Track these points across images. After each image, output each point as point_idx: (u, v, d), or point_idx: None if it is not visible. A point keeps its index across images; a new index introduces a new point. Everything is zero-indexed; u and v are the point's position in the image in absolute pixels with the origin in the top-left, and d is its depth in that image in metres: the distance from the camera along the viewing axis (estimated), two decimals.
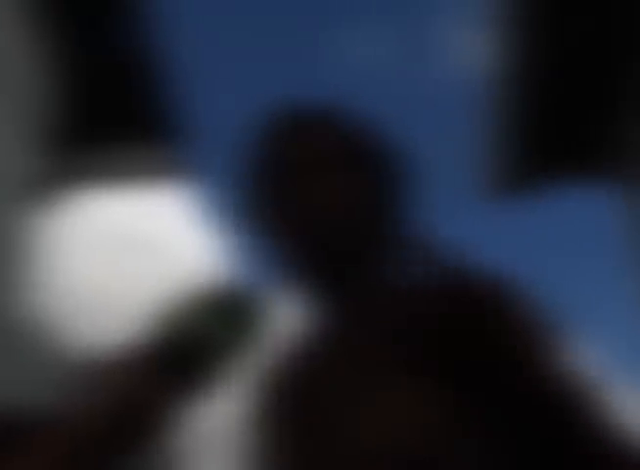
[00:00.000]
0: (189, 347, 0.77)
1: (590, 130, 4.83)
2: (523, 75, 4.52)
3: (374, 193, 0.90)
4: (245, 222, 0.95)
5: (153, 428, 0.75)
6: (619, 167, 4.78)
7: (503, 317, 0.79)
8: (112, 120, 5.12)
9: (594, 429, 0.75)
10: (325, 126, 0.91)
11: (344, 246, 0.86)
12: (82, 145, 5.25)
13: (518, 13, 4.23)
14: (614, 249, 4.85)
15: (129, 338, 0.80)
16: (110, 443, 0.73)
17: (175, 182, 5.42)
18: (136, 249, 6.02)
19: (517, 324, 0.79)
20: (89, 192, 5.40)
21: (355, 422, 0.77)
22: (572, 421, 0.75)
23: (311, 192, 0.87)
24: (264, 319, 0.83)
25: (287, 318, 0.94)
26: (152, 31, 4.62)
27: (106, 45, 4.69)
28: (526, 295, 0.83)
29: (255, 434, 0.87)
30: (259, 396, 0.91)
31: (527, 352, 0.78)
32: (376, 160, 0.92)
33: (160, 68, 4.81)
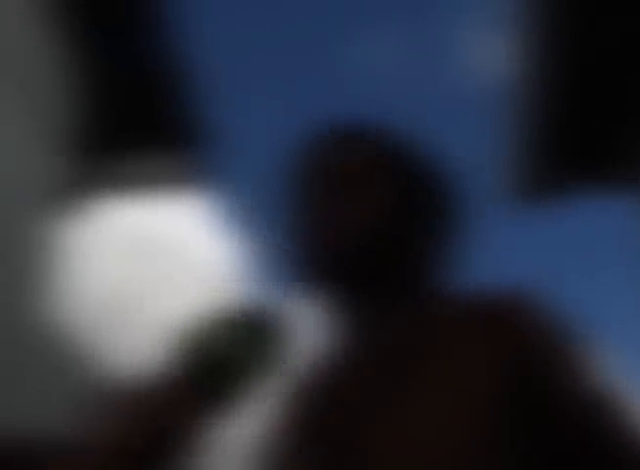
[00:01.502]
0: (217, 366, 0.78)
1: (613, 136, 4.79)
2: (543, 80, 4.49)
3: (405, 209, 0.89)
4: (270, 231, 0.94)
5: (185, 447, 0.75)
6: None
7: (529, 332, 0.79)
8: (135, 127, 5.15)
9: (619, 437, 0.75)
10: (358, 141, 0.91)
11: (373, 262, 0.86)
12: (105, 151, 5.28)
13: (540, 14, 4.20)
14: (634, 256, 4.80)
15: (155, 355, 0.81)
16: (144, 463, 0.73)
17: (197, 190, 5.44)
18: (157, 255, 6.05)
19: (541, 337, 0.79)
20: (111, 198, 5.42)
21: (382, 437, 0.77)
22: (598, 430, 0.75)
23: (342, 207, 0.86)
24: (288, 336, 0.83)
25: (311, 332, 0.94)
26: (179, 38, 4.63)
27: (131, 51, 4.72)
28: (550, 305, 0.83)
29: (283, 448, 0.87)
30: (287, 411, 0.91)
31: (552, 363, 0.77)
32: (409, 175, 0.91)
33: (186, 75, 4.83)
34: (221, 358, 0.78)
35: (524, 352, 0.78)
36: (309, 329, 0.93)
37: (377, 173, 0.89)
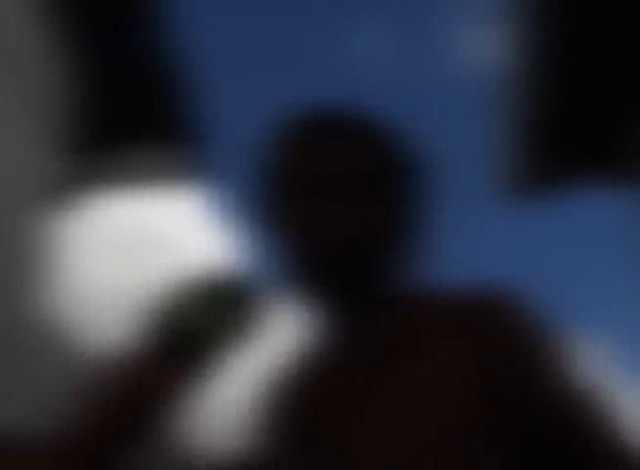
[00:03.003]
0: (191, 334, 0.78)
1: (608, 132, 4.79)
2: (538, 74, 4.49)
3: (388, 208, 0.88)
4: (257, 225, 0.94)
5: (165, 415, 0.76)
6: (636, 169, 4.74)
7: (511, 329, 0.80)
8: (128, 122, 5.14)
9: (600, 435, 0.76)
10: (344, 138, 0.89)
11: (355, 261, 0.85)
12: (98, 146, 5.27)
13: (535, 7, 4.20)
14: (627, 252, 4.81)
15: (133, 329, 0.82)
16: (125, 433, 0.73)
17: (189, 183, 5.43)
18: (150, 249, 6.04)
19: (523, 335, 0.79)
20: (104, 193, 5.42)
21: (362, 434, 0.78)
22: (579, 428, 0.76)
23: (325, 207, 0.86)
24: (263, 308, 0.83)
25: (292, 330, 0.94)
26: (171, 35, 4.63)
27: (124, 48, 4.71)
28: (534, 303, 0.84)
29: (258, 437, 0.88)
30: (264, 398, 0.92)
31: (533, 361, 0.78)
32: (392, 173, 0.90)
33: (178, 70, 4.82)
34: (194, 326, 0.78)
35: (505, 350, 0.78)
36: (290, 328, 0.93)
37: (365, 172, 0.88)
